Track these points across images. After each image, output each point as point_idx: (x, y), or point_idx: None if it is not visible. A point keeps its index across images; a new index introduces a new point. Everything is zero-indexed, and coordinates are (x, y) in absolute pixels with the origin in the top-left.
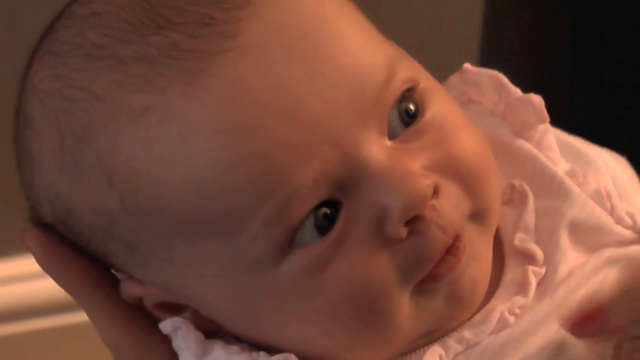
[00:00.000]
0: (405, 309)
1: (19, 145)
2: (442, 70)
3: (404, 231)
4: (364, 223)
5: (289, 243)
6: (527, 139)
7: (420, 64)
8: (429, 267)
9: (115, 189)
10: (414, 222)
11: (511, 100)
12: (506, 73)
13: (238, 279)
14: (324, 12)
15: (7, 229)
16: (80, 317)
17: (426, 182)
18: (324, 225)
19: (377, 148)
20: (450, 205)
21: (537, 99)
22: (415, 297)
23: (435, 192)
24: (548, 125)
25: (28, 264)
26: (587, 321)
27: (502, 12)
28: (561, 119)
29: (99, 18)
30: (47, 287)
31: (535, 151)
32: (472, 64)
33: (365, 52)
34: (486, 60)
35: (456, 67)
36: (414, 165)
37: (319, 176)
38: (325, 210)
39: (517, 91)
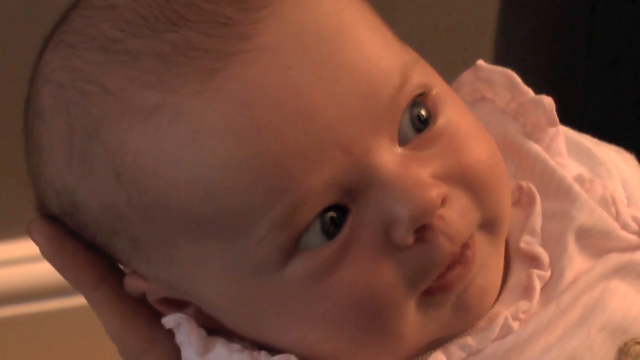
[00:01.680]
0: (411, 317)
1: (28, 134)
2: (458, 55)
3: (411, 239)
4: (371, 229)
5: (295, 247)
6: (537, 141)
7: (436, 49)
8: (434, 276)
9: (123, 186)
10: (421, 230)
11: (523, 101)
12: (522, 59)
13: (241, 281)
14: (341, 17)
15: (8, 211)
16: (82, 300)
17: (435, 192)
18: (331, 229)
19: (387, 155)
20: (458, 215)
21: (548, 101)
22: (423, 306)
23: (444, 201)
24: (558, 129)
25: (27, 247)
26: None
27: None
28: (577, 106)
29: (114, 11)
30: (49, 270)
31: (544, 154)
32: (489, 49)
33: (381, 58)
34: (502, 46)
35: (473, 52)
36: (424, 174)
37: (328, 181)
38: (332, 214)
39: (530, 91)
